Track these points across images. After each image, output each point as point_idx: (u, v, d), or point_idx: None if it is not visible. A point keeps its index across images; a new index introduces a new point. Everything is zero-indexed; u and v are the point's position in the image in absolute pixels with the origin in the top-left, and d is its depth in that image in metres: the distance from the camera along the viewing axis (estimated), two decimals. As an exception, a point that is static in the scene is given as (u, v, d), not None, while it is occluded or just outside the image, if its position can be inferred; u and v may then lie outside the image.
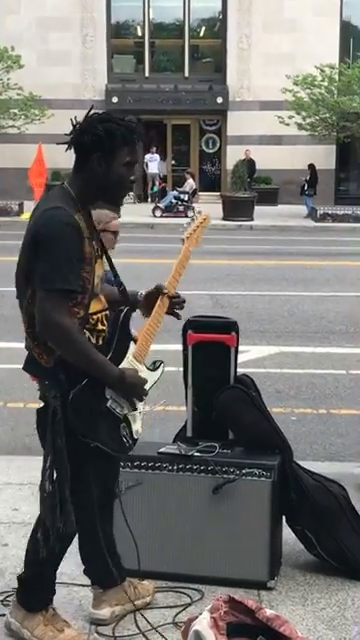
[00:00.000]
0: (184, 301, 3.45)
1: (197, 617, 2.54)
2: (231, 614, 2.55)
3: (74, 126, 3.16)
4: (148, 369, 3.37)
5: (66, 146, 3.19)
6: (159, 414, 6.79)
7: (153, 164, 29.20)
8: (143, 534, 3.69)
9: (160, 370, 3.42)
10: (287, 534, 4.01)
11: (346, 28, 30.30)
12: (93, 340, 3.20)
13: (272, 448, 3.91)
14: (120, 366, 3.21)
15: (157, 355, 3.48)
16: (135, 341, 3.32)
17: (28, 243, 3.12)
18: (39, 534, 3.21)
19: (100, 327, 3.25)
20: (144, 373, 3.31)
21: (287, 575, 3.91)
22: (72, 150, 3.18)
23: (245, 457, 3.86)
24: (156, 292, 3.39)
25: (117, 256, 3.62)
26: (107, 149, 3.10)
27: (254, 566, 3.75)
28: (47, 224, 3.05)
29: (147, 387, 3.30)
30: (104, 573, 3.49)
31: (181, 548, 3.80)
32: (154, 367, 3.41)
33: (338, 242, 20.29)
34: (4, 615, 3.43)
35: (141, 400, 3.30)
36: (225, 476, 3.76)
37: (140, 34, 31.33)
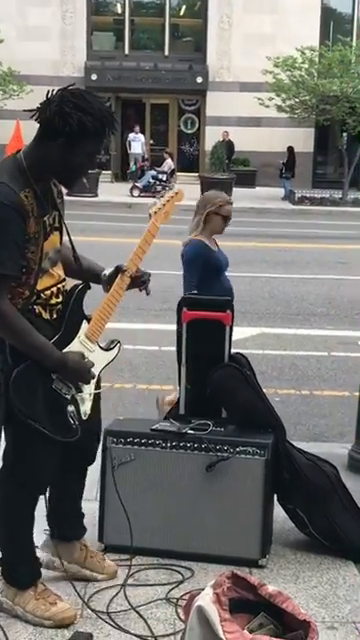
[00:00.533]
0: (149, 276, 3.40)
1: (199, 593, 2.53)
2: (234, 590, 2.55)
3: (48, 99, 3.00)
4: (102, 349, 3.33)
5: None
6: (142, 392, 6.79)
7: (136, 144, 28.87)
8: (136, 511, 3.69)
9: (115, 350, 3.40)
10: (277, 512, 4.01)
11: (327, 11, 30.29)
12: (47, 315, 3.16)
13: (265, 427, 3.91)
14: (70, 345, 3.17)
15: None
16: (89, 320, 3.27)
17: None
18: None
19: (54, 301, 3.19)
20: (95, 353, 3.26)
21: (278, 553, 3.91)
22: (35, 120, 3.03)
23: (239, 435, 3.85)
24: (115, 272, 3.35)
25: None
26: (74, 139, 2.97)
27: (246, 544, 3.76)
28: None
29: (100, 367, 3.29)
30: (56, 526, 3.51)
31: (173, 525, 3.79)
32: (108, 347, 3.38)
33: (316, 225, 20.33)
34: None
35: (87, 383, 3.24)
36: (219, 454, 3.75)
37: (120, 11, 31.09)
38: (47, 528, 3.58)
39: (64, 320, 3.19)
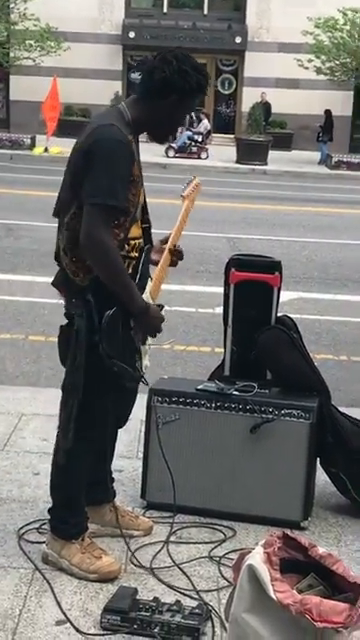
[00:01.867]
0: (182, 253, 3.49)
1: (249, 552, 2.54)
2: (284, 550, 2.56)
3: (159, 58, 3.15)
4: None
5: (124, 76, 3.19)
6: (181, 353, 6.81)
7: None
8: (179, 470, 3.70)
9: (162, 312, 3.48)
10: (318, 476, 4.02)
11: (371, -29, 29.64)
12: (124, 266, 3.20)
13: (310, 390, 3.91)
14: None
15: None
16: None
17: (78, 156, 3.12)
18: (59, 455, 3.30)
19: (133, 254, 3.25)
20: None
21: (319, 516, 3.93)
22: (137, 75, 3.18)
23: (284, 398, 3.85)
24: (159, 244, 3.44)
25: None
26: (186, 97, 3.17)
27: (288, 506, 3.77)
28: (102, 139, 3.05)
29: None
30: (86, 490, 3.49)
31: (216, 485, 3.81)
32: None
33: (353, 190, 20.11)
34: (43, 542, 3.45)
35: (154, 336, 3.36)
36: (264, 416, 3.75)
37: (160, -32, 30.68)
38: None
39: (138, 274, 3.25)
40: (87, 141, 3.10)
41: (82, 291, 3.16)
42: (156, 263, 3.38)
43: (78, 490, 3.39)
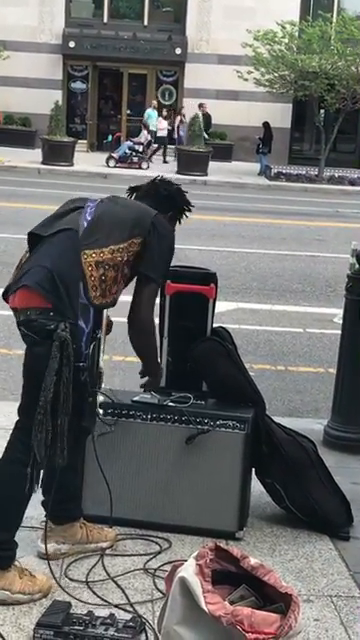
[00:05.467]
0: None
1: (182, 564, 2.54)
2: (216, 562, 2.57)
3: (157, 181, 3.70)
4: None
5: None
6: (120, 363, 6.79)
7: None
8: (115, 482, 3.69)
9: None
10: (253, 486, 4.04)
11: (308, -14, 30.10)
12: None
13: (245, 401, 3.92)
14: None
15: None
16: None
17: (145, 221, 3.40)
18: (28, 469, 3.16)
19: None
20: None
21: (255, 527, 3.95)
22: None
23: (219, 409, 3.86)
24: None
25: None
26: (178, 213, 3.69)
27: (224, 517, 3.78)
28: (170, 231, 3.51)
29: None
30: (59, 508, 3.47)
31: (152, 497, 3.81)
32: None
33: (292, 201, 20.32)
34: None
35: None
36: (199, 427, 3.76)
37: (100, -22, 30.67)
38: (44, 519, 3.56)
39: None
40: (157, 220, 3.43)
41: (72, 307, 3.18)
42: None
43: (19, 518, 3.31)
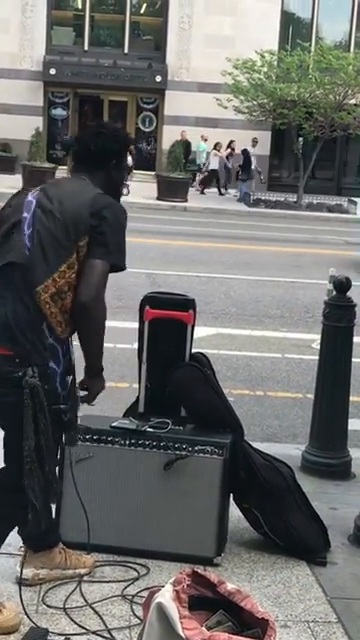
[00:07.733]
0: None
1: (159, 590, 2.55)
2: (193, 587, 2.57)
3: (82, 136, 3.56)
4: None
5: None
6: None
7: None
8: (93, 508, 3.69)
9: None
10: (231, 511, 4.05)
11: (287, 15, 30.47)
12: None
13: (224, 426, 3.94)
14: None
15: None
16: None
17: (83, 217, 3.17)
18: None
19: None
20: None
21: (232, 552, 3.95)
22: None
23: (197, 434, 3.88)
24: None
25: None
26: (121, 156, 3.45)
27: (201, 542, 3.79)
28: (111, 205, 3.25)
29: None
30: (37, 535, 3.43)
31: (130, 523, 3.81)
32: None
33: (271, 228, 20.45)
34: None
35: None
36: (177, 452, 3.77)
37: (80, 7, 30.84)
38: (22, 545, 3.55)
39: None
40: (95, 205, 3.20)
41: (37, 350, 3.11)
42: None
43: None
